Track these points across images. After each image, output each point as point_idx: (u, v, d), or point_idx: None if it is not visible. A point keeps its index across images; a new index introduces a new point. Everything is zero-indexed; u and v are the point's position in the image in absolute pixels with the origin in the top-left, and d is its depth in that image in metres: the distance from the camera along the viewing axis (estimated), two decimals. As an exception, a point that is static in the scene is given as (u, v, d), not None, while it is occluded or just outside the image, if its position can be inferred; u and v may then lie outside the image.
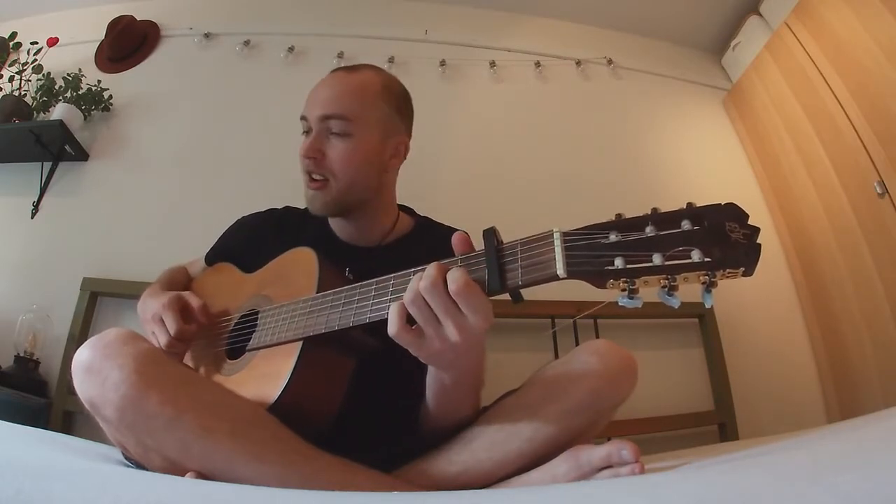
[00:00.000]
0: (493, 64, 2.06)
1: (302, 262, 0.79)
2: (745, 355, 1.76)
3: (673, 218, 0.46)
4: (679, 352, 1.74)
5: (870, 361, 1.58)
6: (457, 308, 0.53)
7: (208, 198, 1.74)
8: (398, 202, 1.03)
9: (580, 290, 0.50)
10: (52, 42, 1.83)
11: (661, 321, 1.74)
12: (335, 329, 0.65)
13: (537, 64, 2.10)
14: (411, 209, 1.06)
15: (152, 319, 0.83)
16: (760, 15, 2.08)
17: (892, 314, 1.49)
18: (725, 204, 0.45)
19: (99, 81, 1.83)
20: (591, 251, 0.48)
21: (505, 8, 2.21)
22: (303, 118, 0.91)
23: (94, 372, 0.59)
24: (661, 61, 2.26)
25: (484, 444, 0.68)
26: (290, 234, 0.95)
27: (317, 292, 0.71)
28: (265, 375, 0.70)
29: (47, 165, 1.74)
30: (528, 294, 0.54)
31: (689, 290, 0.46)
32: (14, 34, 1.86)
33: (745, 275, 0.43)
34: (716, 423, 1.63)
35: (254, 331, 0.78)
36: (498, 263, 0.53)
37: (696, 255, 0.43)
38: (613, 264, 0.46)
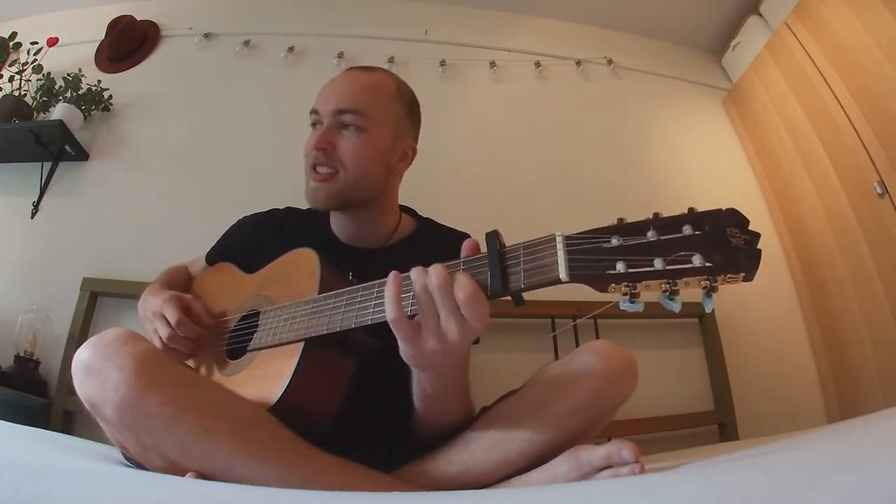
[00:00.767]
0: (493, 64, 2.06)
1: (304, 262, 0.79)
2: (745, 355, 1.76)
3: (674, 223, 0.46)
4: (679, 352, 1.74)
5: (870, 361, 1.58)
6: (460, 311, 0.54)
7: (208, 198, 1.74)
8: (399, 202, 1.03)
9: (580, 291, 0.50)
10: (52, 42, 1.83)
11: (661, 321, 1.74)
12: (337, 330, 0.65)
13: (537, 64, 2.10)
14: (413, 210, 1.06)
15: (153, 316, 0.83)
16: (760, 15, 2.08)
17: (892, 314, 1.49)
18: (726, 209, 0.45)
19: (99, 81, 1.83)
20: (593, 255, 0.48)
21: (505, 8, 2.21)
22: (313, 111, 0.91)
23: (94, 372, 0.59)
24: (661, 61, 2.26)
25: (484, 445, 0.68)
26: (292, 235, 0.95)
27: (318, 293, 0.71)
28: (266, 376, 0.70)
29: (47, 165, 1.74)
30: (529, 294, 0.54)
31: (689, 290, 0.46)
32: (14, 34, 1.85)
33: (745, 280, 0.44)
34: (716, 423, 1.63)
35: (255, 331, 0.78)
36: (500, 266, 0.54)
37: (697, 260, 0.44)
38: (615, 268, 0.46)
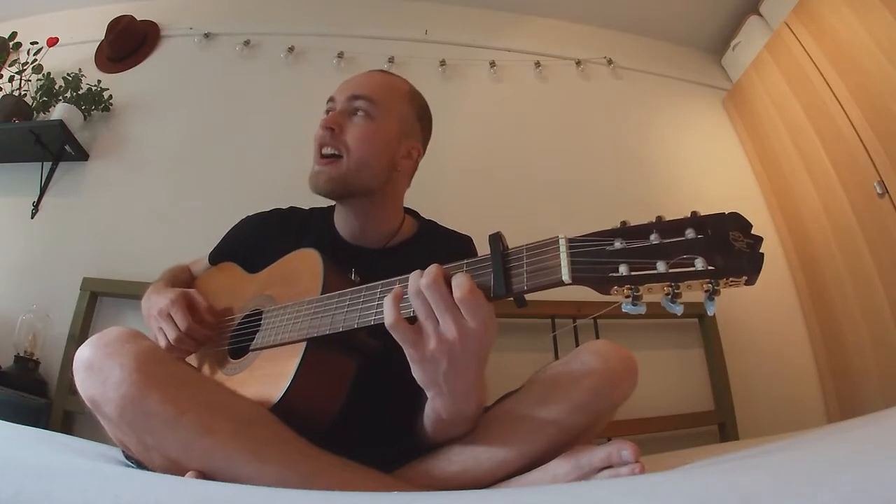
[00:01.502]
0: (493, 64, 2.06)
1: (307, 263, 0.79)
2: (745, 355, 1.76)
3: (677, 226, 0.46)
4: (679, 352, 1.74)
5: (870, 361, 1.58)
6: (457, 307, 0.54)
7: (208, 198, 1.74)
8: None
9: (581, 291, 0.50)
10: (52, 42, 1.84)
11: (661, 321, 1.74)
12: (340, 330, 0.65)
13: (537, 64, 2.10)
14: (416, 212, 1.06)
15: (159, 315, 0.83)
16: (760, 15, 2.08)
17: (892, 314, 1.49)
18: (729, 213, 0.45)
19: (99, 81, 1.83)
20: (595, 258, 0.48)
21: (505, 8, 2.21)
22: (330, 99, 0.94)
23: (96, 370, 0.59)
24: (661, 61, 2.26)
25: (484, 445, 0.68)
26: (295, 235, 0.95)
27: (321, 294, 0.71)
28: (268, 375, 0.70)
29: (47, 165, 1.74)
30: (529, 295, 0.54)
31: (689, 291, 0.46)
32: (14, 34, 1.86)
33: (747, 283, 0.44)
34: (716, 423, 1.63)
35: (257, 330, 0.78)
36: (503, 268, 0.54)
37: (699, 264, 0.44)
38: (618, 271, 0.46)
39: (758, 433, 1.57)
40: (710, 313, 0.45)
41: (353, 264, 0.79)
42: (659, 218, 0.48)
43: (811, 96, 1.78)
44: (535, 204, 1.85)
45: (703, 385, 1.70)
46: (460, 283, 0.53)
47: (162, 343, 0.82)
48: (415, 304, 0.55)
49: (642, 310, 0.47)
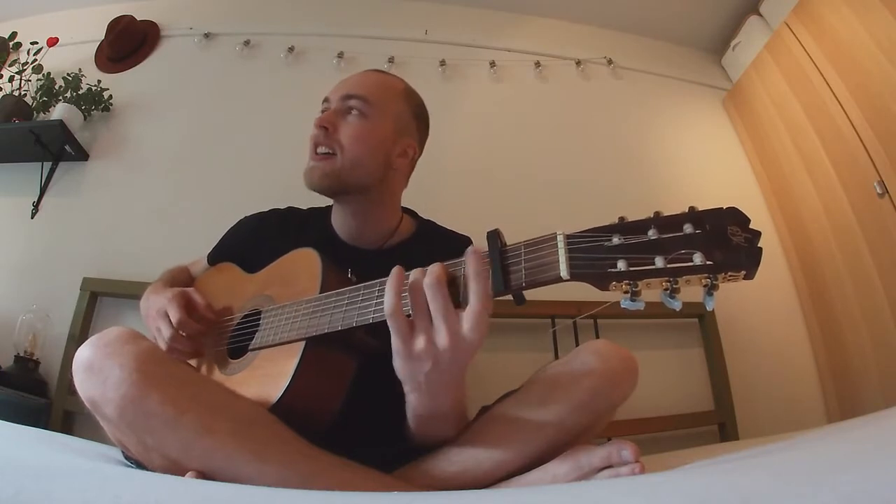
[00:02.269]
0: (493, 64, 2.06)
1: (305, 263, 0.79)
2: (745, 355, 1.76)
3: (675, 221, 0.46)
4: (679, 352, 1.74)
5: (870, 361, 1.58)
6: (454, 313, 0.54)
7: (208, 198, 1.73)
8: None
9: (580, 291, 0.50)
10: (52, 42, 1.83)
11: (661, 321, 1.74)
12: (338, 329, 0.65)
13: (537, 64, 2.10)
14: (414, 212, 1.06)
15: (156, 314, 0.83)
16: (760, 15, 2.08)
17: (892, 314, 1.49)
18: (727, 208, 0.45)
19: (99, 81, 1.83)
20: (593, 254, 0.48)
21: (505, 8, 2.21)
22: (325, 100, 0.95)
23: (95, 371, 0.59)
24: (661, 61, 2.26)
25: (484, 445, 0.68)
26: (293, 235, 0.95)
27: (320, 293, 0.71)
28: (267, 375, 0.70)
29: (47, 165, 1.74)
30: (529, 294, 0.54)
31: (689, 290, 0.46)
32: (14, 34, 1.86)
33: (746, 278, 0.44)
34: (716, 423, 1.63)
35: (256, 330, 0.78)
36: (502, 265, 0.54)
37: (697, 259, 0.44)
38: (616, 266, 0.46)
39: (758, 433, 1.57)
40: (708, 308, 0.45)
41: (351, 265, 0.79)
42: (657, 213, 0.48)
43: (811, 96, 1.78)
44: (535, 204, 1.85)
45: (703, 385, 1.70)
46: (478, 293, 0.53)
47: (160, 342, 0.82)
48: (412, 299, 0.55)
49: (641, 306, 0.47)
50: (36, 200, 1.70)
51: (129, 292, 1.50)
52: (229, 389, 0.66)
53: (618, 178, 1.96)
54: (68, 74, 1.80)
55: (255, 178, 1.77)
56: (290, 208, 1.07)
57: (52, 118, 1.70)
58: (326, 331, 0.66)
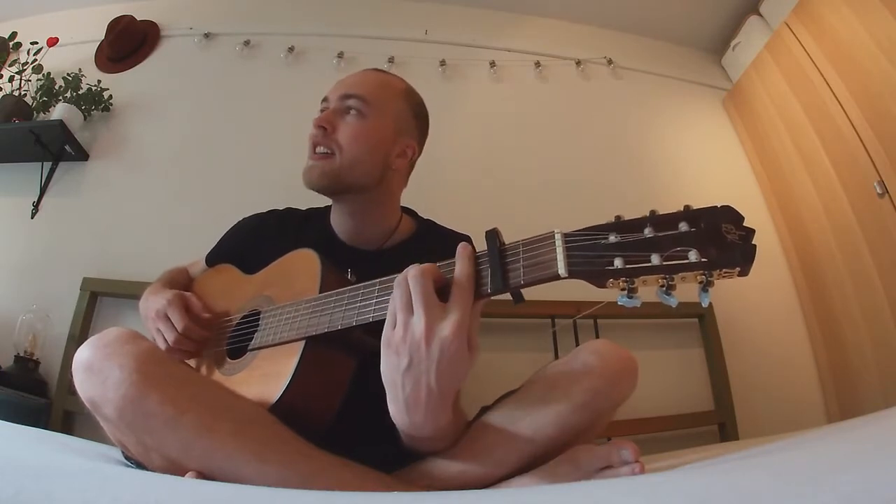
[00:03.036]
0: (493, 64, 2.06)
1: (304, 263, 0.79)
2: (745, 355, 1.76)
3: (670, 220, 0.47)
4: (679, 352, 1.74)
5: (870, 361, 1.58)
6: (436, 306, 0.53)
7: (208, 198, 1.74)
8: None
9: (580, 290, 0.51)
10: (52, 42, 1.84)
11: (660, 321, 1.74)
12: (338, 329, 0.65)
13: (537, 64, 2.10)
14: (414, 211, 1.06)
15: (156, 316, 0.83)
16: (760, 15, 2.08)
17: (892, 314, 1.49)
18: (721, 206, 0.46)
19: (99, 81, 1.83)
20: (591, 252, 0.49)
21: (505, 8, 2.21)
22: (324, 99, 0.95)
23: (95, 371, 0.59)
24: (661, 61, 2.26)
25: (484, 444, 0.68)
26: (292, 236, 0.95)
27: (319, 293, 0.71)
28: (267, 375, 0.70)
29: (47, 165, 1.74)
30: (529, 294, 0.55)
31: (689, 290, 0.47)
32: (14, 34, 1.86)
33: (740, 274, 0.45)
34: (716, 423, 1.63)
35: (256, 331, 0.78)
36: (500, 263, 0.54)
37: (693, 256, 0.45)
38: (613, 264, 0.47)
39: (758, 433, 1.57)
40: (703, 304, 0.46)
41: (350, 265, 0.79)
42: (653, 212, 0.48)
43: (811, 96, 1.78)
44: (535, 204, 1.85)
45: (703, 385, 1.70)
46: (458, 303, 0.53)
47: (161, 345, 0.82)
48: (396, 291, 0.55)
49: (637, 303, 0.47)
50: (36, 200, 1.70)
51: (129, 292, 1.50)
52: (229, 389, 0.66)
53: (617, 178, 1.96)
54: (68, 74, 1.80)
55: (255, 177, 1.77)
56: (288, 209, 1.07)
57: (52, 118, 1.70)
58: (326, 330, 0.66)
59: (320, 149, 0.89)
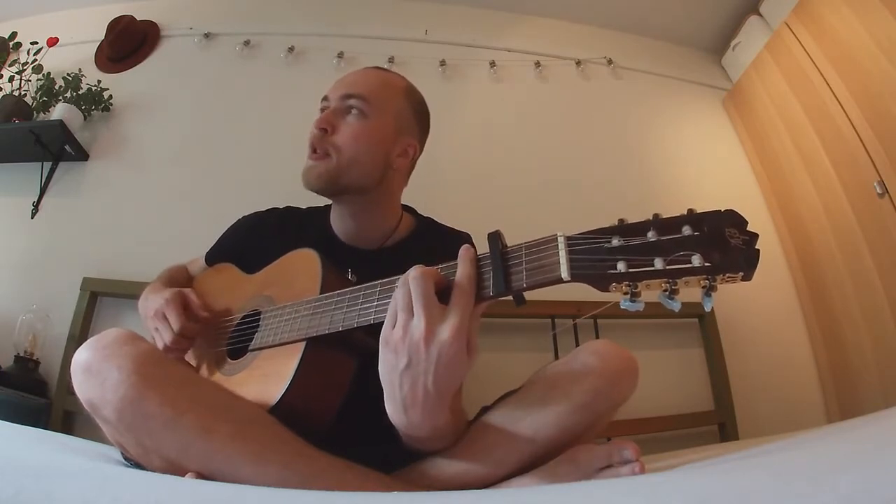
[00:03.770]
0: (493, 64, 2.06)
1: (305, 263, 0.79)
2: (745, 355, 1.76)
3: (674, 223, 0.47)
4: (679, 352, 1.74)
5: (870, 361, 1.58)
6: (436, 308, 0.53)
7: (208, 198, 1.74)
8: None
9: (580, 291, 0.50)
10: (52, 42, 1.84)
11: (661, 321, 1.74)
12: (339, 329, 0.65)
13: (537, 64, 2.10)
14: (413, 209, 1.06)
15: (154, 316, 0.83)
16: (760, 15, 2.08)
17: (892, 314, 1.49)
18: (725, 210, 0.46)
19: (99, 81, 1.83)
20: (594, 255, 0.49)
21: (505, 8, 2.21)
22: (324, 98, 0.94)
23: (94, 373, 0.59)
24: (661, 61, 2.26)
25: (484, 444, 0.68)
26: (292, 235, 0.95)
27: (320, 294, 0.71)
28: (267, 375, 0.70)
29: (47, 165, 1.74)
30: (529, 295, 0.55)
31: (689, 290, 0.47)
32: (14, 34, 1.86)
33: (744, 279, 0.44)
34: (716, 423, 1.63)
35: (256, 331, 0.78)
36: (502, 266, 0.54)
37: (696, 260, 0.44)
38: (616, 268, 0.47)
39: (758, 433, 1.57)
40: (707, 309, 0.45)
41: (351, 265, 0.79)
42: (656, 215, 0.48)
43: (811, 96, 1.78)
44: (535, 204, 1.85)
45: (703, 385, 1.70)
46: (458, 308, 0.52)
47: (158, 344, 0.82)
48: (398, 291, 0.55)
49: (640, 306, 0.47)
50: (36, 200, 1.70)
51: (129, 292, 1.50)
52: (228, 390, 0.66)
53: (617, 178, 1.96)
54: (68, 74, 1.80)
55: (254, 177, 1.77)
56: (289, 208, 1.06)
57: (52, 118, 1.70)
58: (327, 331, 0.66)
59: (319, 150, 0.88)
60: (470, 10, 2.19)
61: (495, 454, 0.66)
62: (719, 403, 1.64)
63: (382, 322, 0.59)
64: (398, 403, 0.57)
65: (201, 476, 0.57)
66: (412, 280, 0.54)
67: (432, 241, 0.97)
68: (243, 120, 1.89)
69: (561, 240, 0.51)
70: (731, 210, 0.46)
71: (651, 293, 0.47)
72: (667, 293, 0.46)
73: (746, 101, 2.12)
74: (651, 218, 0.48)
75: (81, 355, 0.61)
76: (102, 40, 1.96)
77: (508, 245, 0.55)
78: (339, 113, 0.90)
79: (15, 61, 1.81)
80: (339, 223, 0.97)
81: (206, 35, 2.00)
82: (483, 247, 0.57)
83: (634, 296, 0.47)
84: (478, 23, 2.16)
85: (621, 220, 0.49)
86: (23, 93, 1.79)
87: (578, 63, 2.14)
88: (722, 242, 0.44)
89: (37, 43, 1.82)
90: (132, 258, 1.61)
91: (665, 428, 1.57)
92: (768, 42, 1.99)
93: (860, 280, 1.61)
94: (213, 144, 1.84)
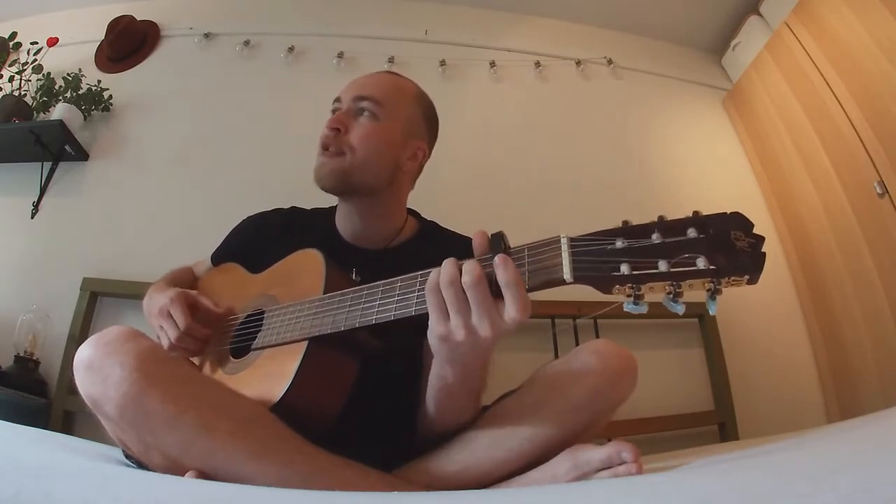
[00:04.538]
0: (493, 64, 2.06)
1: (309, 263, 0.79)
2: (745, 355, 1.76)
3: (679, 226, 0.46)
4: (679, 352, 1.74)
5: (870, 361, 1.58)
6: (497, 308, 0.54)
7: (208, 198, 1.74)
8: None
9: (581, 291, 0.50)
10: (52, 42, 1.83)
11: (661, 321, 1.74)
12: (341, 329, 0.65)
13: (537, 64, 2.10)
14: (417, 213, 1.06)
15: (159, 314, 0.83)
16: (760, 15, 2.08)
17: (892, 314, 1.49)
18: (731, 213, 0.45)
19: (99, 81, 1.83)
20: (597, 257, 0.48)
21: (505, 8, 2.21)
22: (336, 100, 0.94)
23: (96, 370, 0.59)
24: (661, 61, 2.26)
25: (484, 444, 0.68)
26: (296, 235, 0.95)
27: (324, 294, 0.71)
28: (269, 374, 0.70)
29: (47, 165, 1.74)
30: (530, 295, 0.54)
31: (690, 290, 0.46)
32: (14, 34, 1.86)
33: (749, 283, 0.44)
34: (716, 423, 1.63)
35: (259, 330, 0.78)
36: None
37: (701, 263, 0.44)
38: (619, 270, 0.46)
39: (758, 433, 1.57)
40: (711, 312, 0.45)
41: (355, 265, 0.78)
42: (661, 217, 0.48)
43: (811, 96, 1.78)
44: (536, 204, 1.85)
45: (703, 385, 1.70)
46: (516, 304, 0.53)
47: (164, 342, 0.82)
48: (447, 295, 0.54)
49: (644, 309, 0.47)
50: (36, 200, 1.70)
51: (129, 292, 1.50)
52: (230, 388, 0.66)
53: (618, 178, 1.96)
54: (68, 74, 1.80)
55: (255, 177, 1.77)
56: (293, 208, 1.07)
57: (52, 118, 1.70)
58: (329, 331, 0.66)
59: (332, 149, 0.88)
60: (470, 10, 2.19)
61: (494, 454, 0.66)
62: (719, 403, 1.64)
63: (384, 322, 0.59)
64: (458, 365, 0.62)
65: (202, 474, 0.57)
66: (471, 288, 0.53)
67: (436, 244, 0.97)
68: (243, 120, 1.89)
69: (564, 241, 0.50)
70: (737, 213, 0.45)
71: (654, 295, 0.47)
72: (671, 296, 0.45)
73: (746, 101, 2.12)
74: (655, 220, 0.48)
75: (84, 352, 0.61)
76: (102, 40, 1.96)
77: (511, 246, 0.55)
78: (350, 114, 0.91)
79: (15, 61, 1.81)
80: (345, 223, 0.97)
81: (206, 35, 2.00)
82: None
83: (638, 298, 0.46)
84: (478, 23, 2.16)
85: (625, 222, 0.49)
86: (23, 93, 1.79)
87: (578, 63, 2.14)
88: (727, 245, 0.43)
89: (37, 43, 1.82)
90: (132, 258, 1.61)
91: (665, 428, 1.57)
92: (768, 42, 1.99)
93: (860, 280, 1.61)
94: (213, 144, 1.84)
